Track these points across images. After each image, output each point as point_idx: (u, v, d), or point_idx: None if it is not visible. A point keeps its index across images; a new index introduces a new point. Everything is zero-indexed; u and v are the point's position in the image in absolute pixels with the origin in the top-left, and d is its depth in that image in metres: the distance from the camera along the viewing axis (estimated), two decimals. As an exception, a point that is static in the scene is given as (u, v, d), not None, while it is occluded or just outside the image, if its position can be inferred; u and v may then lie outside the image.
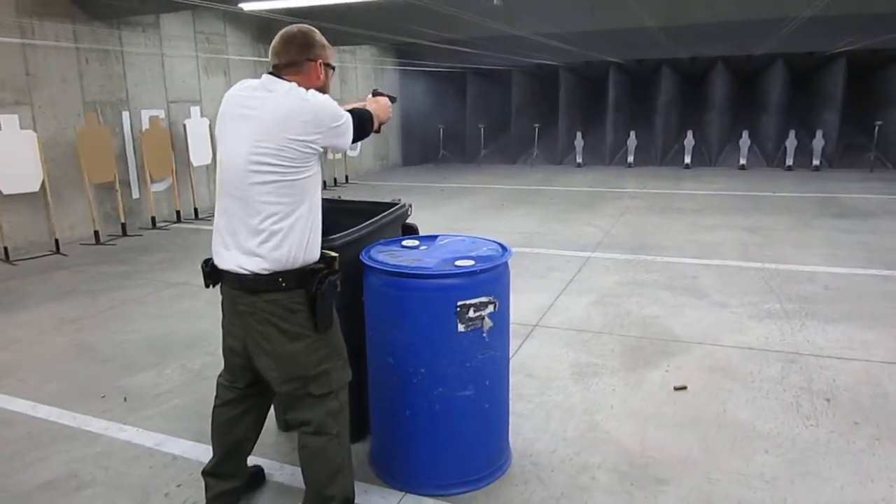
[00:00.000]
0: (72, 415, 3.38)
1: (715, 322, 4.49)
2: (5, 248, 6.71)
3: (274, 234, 2.03)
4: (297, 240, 2.06)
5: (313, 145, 2.02)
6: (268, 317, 2.09)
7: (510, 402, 3.31)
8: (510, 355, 3.98)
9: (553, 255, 6.47)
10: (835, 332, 4.22)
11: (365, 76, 13.79)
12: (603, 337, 4.26)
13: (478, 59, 13.14)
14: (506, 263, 2.59)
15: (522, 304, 4.96)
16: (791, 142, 13.07)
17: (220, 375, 2.44)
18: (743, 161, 13.51)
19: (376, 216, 2.98)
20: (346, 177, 12.73)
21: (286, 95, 2.02)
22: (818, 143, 12.87)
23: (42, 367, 4.03)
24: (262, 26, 10.27)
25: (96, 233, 7.54)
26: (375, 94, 2.64)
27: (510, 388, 3.50)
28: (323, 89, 2.17)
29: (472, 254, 2.60)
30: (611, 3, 7.85)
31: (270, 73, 2.11)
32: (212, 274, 2.19)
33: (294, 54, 2.12)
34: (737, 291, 5.13)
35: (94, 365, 4.05)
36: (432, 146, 15.89)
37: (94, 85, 7.76)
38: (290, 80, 2.08)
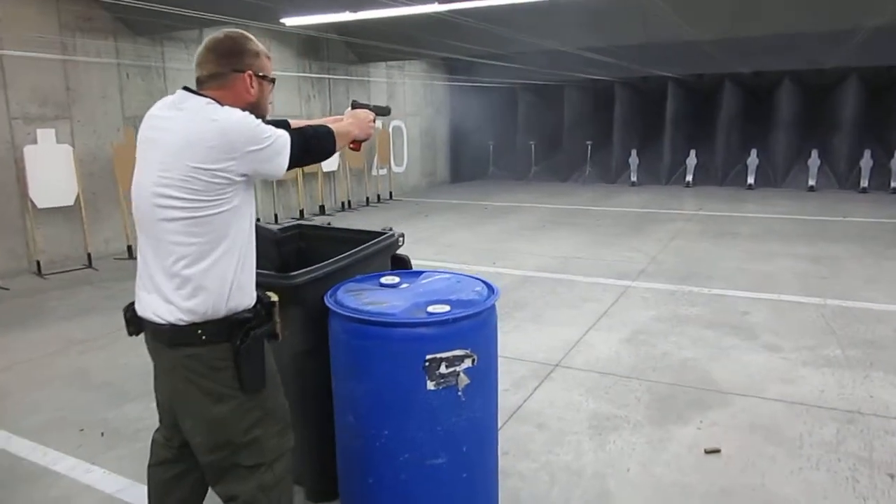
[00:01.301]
0: (44, 450, 3.18)
1: (762, 369, 3.96)
2: (38, 262, 6.75)
3: (187, 280, 1.73)
4: (216, 287, 1.75)
5: (225, 174, 1.70)
6: (188, 374, 1.78)
7: (512, 461, 2.95)
8: (521, 402, 3.60)
9: (590, 284, 6.01)
10: (905, 387, 3.64)
11: (414, 92, 13.64)
12: (630, 382, 3.80)
13: (529, 74, 12.78)
14: (490, 309, 2.21)
15: (547, 339, 4.57)
16: (866, 162, 12.11)
17: (156, 430, 2.15)
18: (812, 182, 12.61)
19: (367, 244, 2.68)
20: (391, 193, 12.54)
21: (194, 115, 1.72)
22: (897, 163, 11.88)
23: (33, 392, 3.88)
24: (308, 42, 10.23)
25: (129, 248, 7.53)
26: (354, 106, 2.34)
27: (516, 441, 3.13)
28: (256, 106, 1.86)
29: (452, 297, 2.24)
30: (662, 16, 7.36)
31: (186, 88, 1.82)
32: (133, 320, 1.90)
33: (216, 64, 1.81)
34: (792, 332, 4.56)
35: (85, 393, 3.88)
36: (482, 163, 15.58)
37: (134, 100, 7.80)
38: (211, 96, 1.78)
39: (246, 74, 1.83)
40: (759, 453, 2.99)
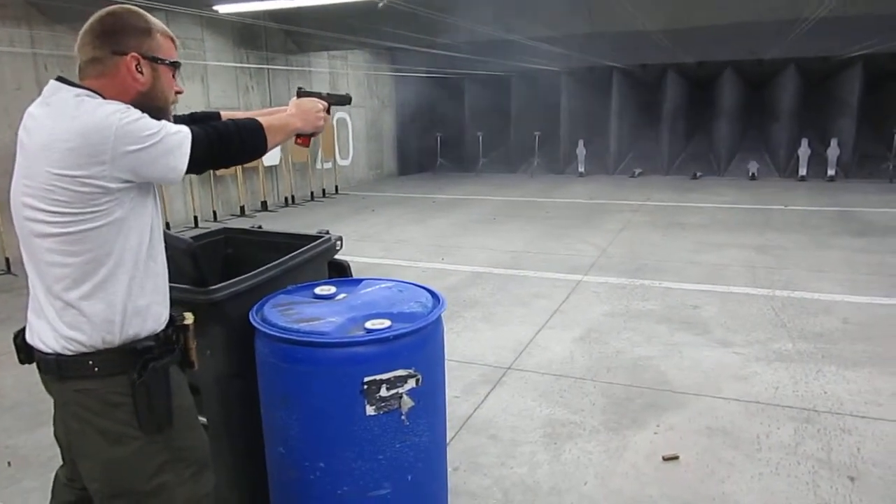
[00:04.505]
0: (-61, 486, 2.83)
1: (716, 365, 3.88)
2: (-52, 269, 6.22)
3: (67, 306, 1.47)
4: (102, 315, 1.48)
5: (95, 181, 1.40)
6: (80, 412, 1.52)
7: (463, 477, 2.76)
8: (472, 410, 3.39)
9: (541, 279, 5.88)
10: (857, 381, 3.61)
11: (358, 83, 13.28)
12: (585, 385, 3.66)
13: (475, 64, 12.60)
14: (435, 323, 2.01)
15: (498, 339, 4.40)
16: (804, 150, 12.41)
17: (60, 466, 1.88)
18: (753, 171, 12.85)
19: (299, 251, 2.43)
20: (336, 187, 12.18)
21: (56, 112, 1.45)
22: (833, 151, 12.19)
23: (-67, 418, 3.50)
24: (244, 31, 9.78)
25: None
26: (300, 94, 2.05)
27: (467, 455, 2.94)
28: (150, 96, 1.56)
29: (394, 310, 2.02)
30: (608, 5, 7.28)
31: (60, 79, 1.54)
32: (23, 347, 1.62)
33: (94, 47, 1.52)
34: (743, 326, 4.52)
35: (-6, 416, 3.51)
36: (430, 155, 15.34)
37: (53, 92, 7.26)
38: (90, 86, 1.50)
39: (129, 56, 1.52)
40: (717, 458, 2.88)
